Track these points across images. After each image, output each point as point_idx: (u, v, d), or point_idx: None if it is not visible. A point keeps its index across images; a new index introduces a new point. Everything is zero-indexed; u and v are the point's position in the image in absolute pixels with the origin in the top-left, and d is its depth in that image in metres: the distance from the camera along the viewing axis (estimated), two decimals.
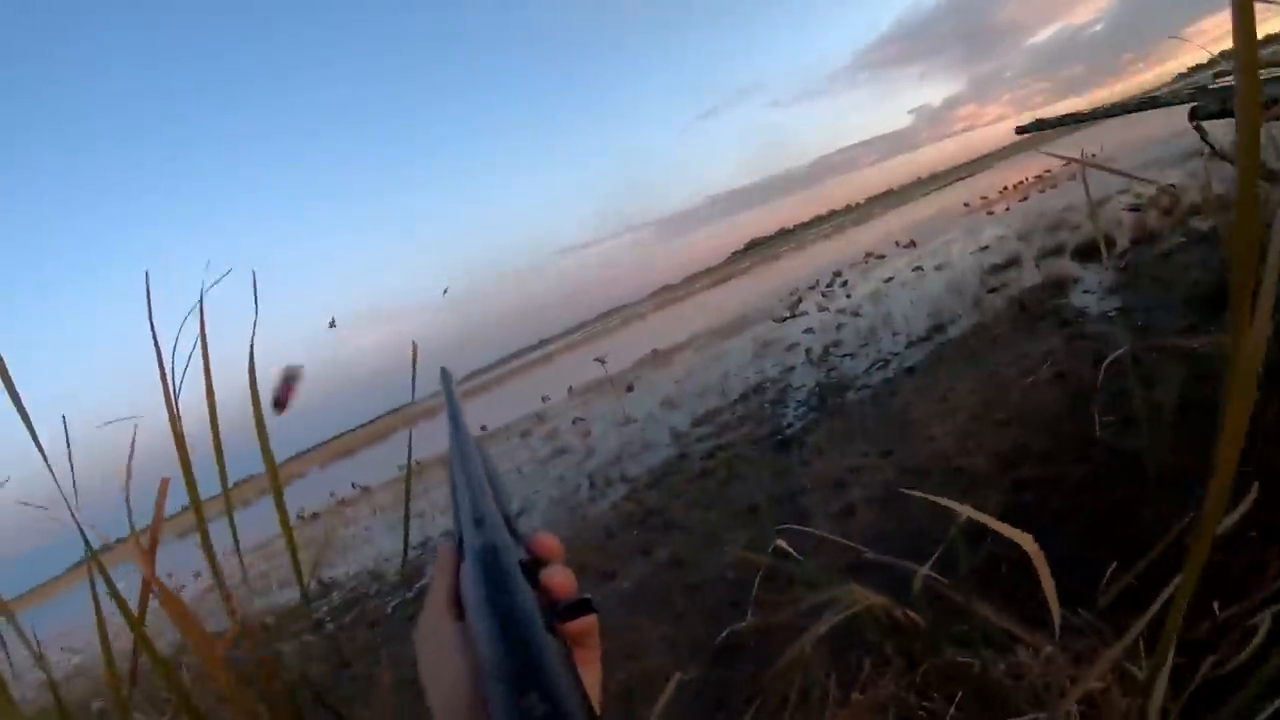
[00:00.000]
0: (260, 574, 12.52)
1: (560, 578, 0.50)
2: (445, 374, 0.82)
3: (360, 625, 6.47)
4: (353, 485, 21.08)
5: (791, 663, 2.32)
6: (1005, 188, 22.86)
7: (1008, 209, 15.92)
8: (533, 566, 0.50)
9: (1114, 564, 2.13)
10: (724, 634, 3.17)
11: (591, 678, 0.51)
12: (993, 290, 7.88)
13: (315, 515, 18.35)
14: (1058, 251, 8.72)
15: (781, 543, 2.67)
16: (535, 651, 0.44)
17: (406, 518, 2.31)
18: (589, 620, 0.52)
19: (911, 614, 2.08)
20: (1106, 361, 4.06)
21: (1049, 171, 23.29)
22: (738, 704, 2.75)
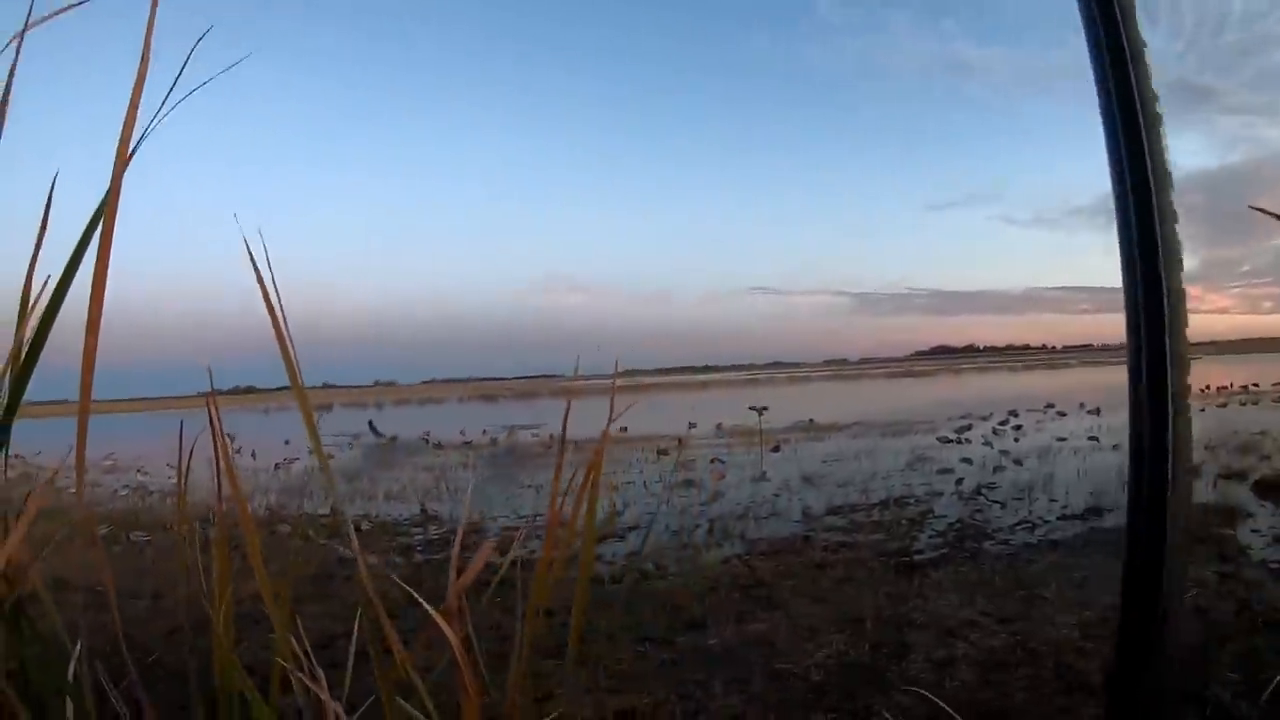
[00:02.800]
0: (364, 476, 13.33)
1: None
2: None
3: (444, 572, 6.61)
4: (484, 432, 21.94)
5: None
6: (1206, 387, 21.41)
7: (1202, 410, 15.05)
8: None
9: None
10: None
11: None
12: None
13: (439, 445, 19.20)
14: (1240, 477, 8.29)
15: None
16: None
17: None
18: None
19: None
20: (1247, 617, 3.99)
21: (1255, 385, 21.77)
22: None
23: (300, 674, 1.65)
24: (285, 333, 1.41)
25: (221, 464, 1.59)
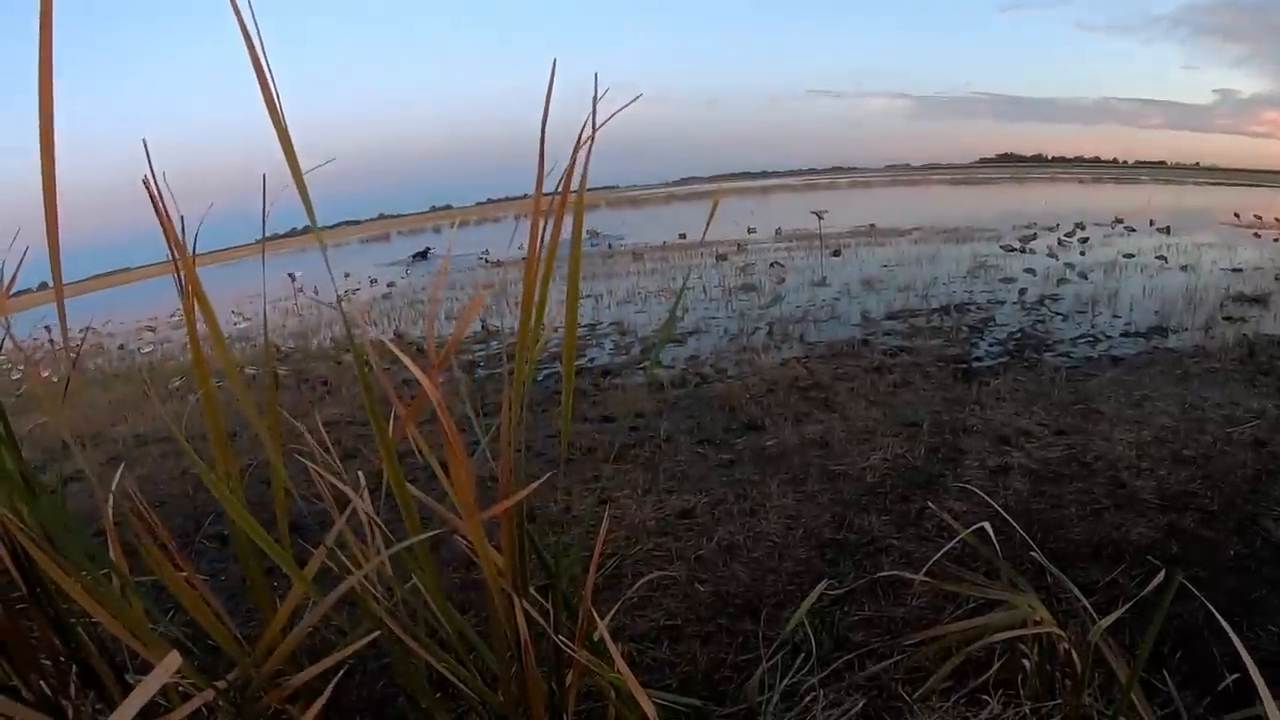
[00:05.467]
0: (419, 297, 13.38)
1: None
2: None
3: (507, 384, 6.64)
4: None
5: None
6: None
7: (1277, 239, 14.23)
8: None
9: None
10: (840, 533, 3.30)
11: None
12: (1229, 319, 7.27)
13: (498, 263, 19.21)
14: None
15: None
16: None
17: None
18: None
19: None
20: None
21: None
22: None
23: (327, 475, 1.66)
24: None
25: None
